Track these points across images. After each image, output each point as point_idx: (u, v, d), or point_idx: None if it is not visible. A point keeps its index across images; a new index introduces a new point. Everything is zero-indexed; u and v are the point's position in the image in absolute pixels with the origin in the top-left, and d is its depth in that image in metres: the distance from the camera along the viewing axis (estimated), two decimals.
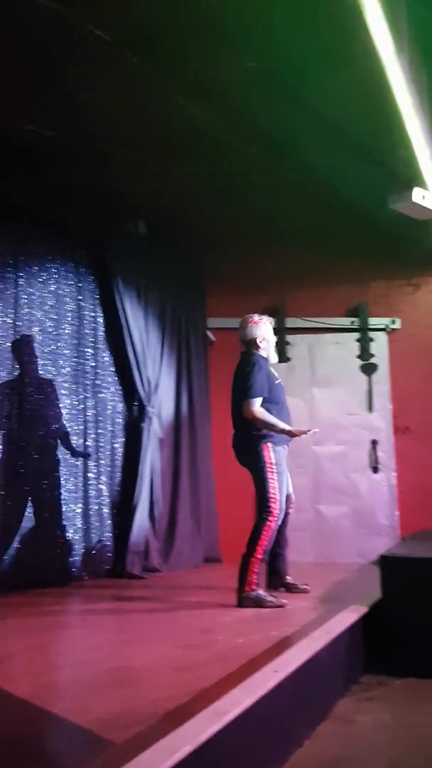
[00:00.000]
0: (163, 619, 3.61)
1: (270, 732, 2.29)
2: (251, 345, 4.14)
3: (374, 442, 6.18)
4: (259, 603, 3.74)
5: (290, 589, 4.16)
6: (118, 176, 5.08)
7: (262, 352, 4.12)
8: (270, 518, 3.83)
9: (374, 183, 4.73)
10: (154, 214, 5.82)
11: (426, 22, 3.57)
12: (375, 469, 6.14)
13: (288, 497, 4.11)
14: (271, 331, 4.20)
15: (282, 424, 3.86)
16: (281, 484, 3.91)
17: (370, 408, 6.20)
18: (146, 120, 4.51)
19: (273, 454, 3.89)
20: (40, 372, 5.04)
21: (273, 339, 4.20)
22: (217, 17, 3.56)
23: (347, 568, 5.54)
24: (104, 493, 5.32)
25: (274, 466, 3.87)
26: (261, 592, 3.81)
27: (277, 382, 4.05)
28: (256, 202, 5.73)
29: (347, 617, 3.33)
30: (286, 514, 4.09)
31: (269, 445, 3.89)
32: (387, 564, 3.54)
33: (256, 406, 3.86)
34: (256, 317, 4.20)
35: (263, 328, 4.14)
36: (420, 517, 5.92)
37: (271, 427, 3.84)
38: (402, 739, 2.56)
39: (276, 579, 4.17)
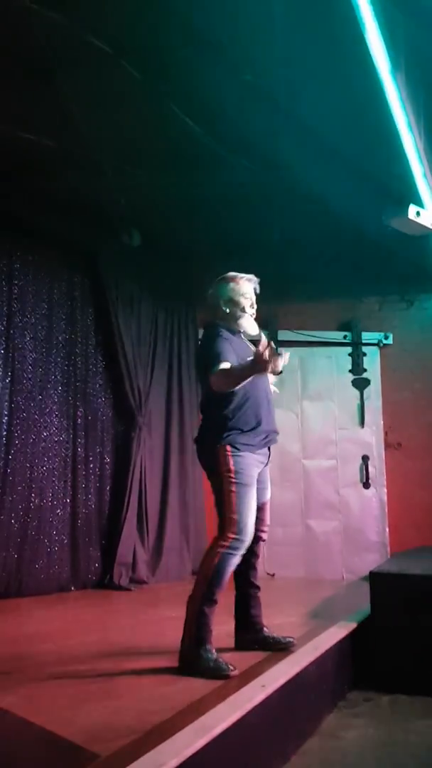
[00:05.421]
0: (150, 632, 3.57)
1: (256, 747, 2.27)
2: (214, 315, 3.04)
3: (365, 458, 6.17)
4: (198, 668, 2.61)
5: (268, 645, 2.96)
6: (112, 187, 5.10)
7: (227, 321, 3.01)
8: (224, 545, 2.75)
9: (367, 198, 4.75)
10: (147, 224, 5.84)
11: (423, 41, 3.60)
12: (366, 485, 6.12)
13: (261, 518, 3.01)
14: (244, 291, 3.01)
15: (248, 365, 2.69)
16: (247, 500, 2.82)
17: (361, 423, 6.20)
18: (142, 131, 4.53)
19: (234, 459, 2.84)
20: (31, 379, 5.02)
21: (248, 303, 3.03)
22: (215, 30, 3.60)
23: (337, 584, 5.52)
24: (92, 503, 5.28)
25: (234, 475, 2.81)
26: (204, 651, 2.65)
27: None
28: (248, 215, 5.76)
29: (336, 633, 3.31)
30: (258, 539, 2.99)
31: (229, 447, 2.84)
32: (376, 580, 3.53)
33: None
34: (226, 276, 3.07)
35: (231, 289, 3.01)
36: (410, 533, 5.91)
37: (238, 377, 2.72)
38: (387, 755, 2.53)
39: (246, 634, 3.03)
